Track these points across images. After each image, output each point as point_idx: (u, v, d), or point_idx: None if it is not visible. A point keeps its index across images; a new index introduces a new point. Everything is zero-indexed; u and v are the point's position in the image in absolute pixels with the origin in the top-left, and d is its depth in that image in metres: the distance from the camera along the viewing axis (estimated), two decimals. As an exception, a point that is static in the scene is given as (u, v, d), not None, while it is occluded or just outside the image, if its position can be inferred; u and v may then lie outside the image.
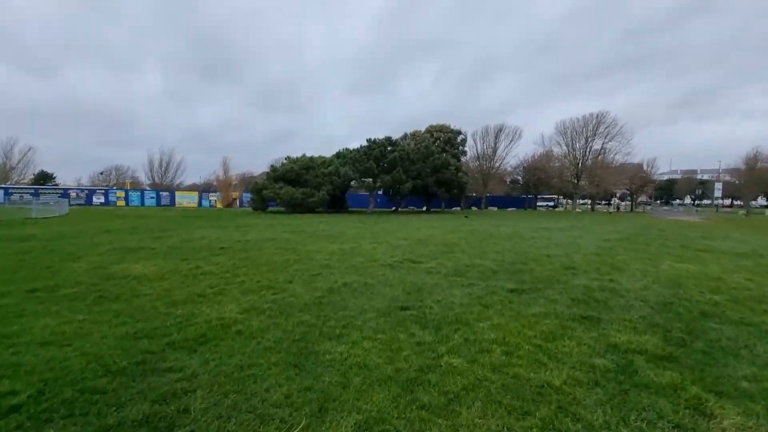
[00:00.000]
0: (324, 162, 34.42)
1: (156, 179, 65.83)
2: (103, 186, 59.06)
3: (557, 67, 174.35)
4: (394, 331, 3.87)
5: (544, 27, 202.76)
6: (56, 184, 56.33)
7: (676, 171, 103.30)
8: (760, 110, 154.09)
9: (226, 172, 45.92)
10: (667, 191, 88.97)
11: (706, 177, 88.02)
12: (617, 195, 60.66)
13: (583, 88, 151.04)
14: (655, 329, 4.06)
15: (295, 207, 30.65)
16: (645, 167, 56.80)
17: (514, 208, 54.32)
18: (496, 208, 51.95)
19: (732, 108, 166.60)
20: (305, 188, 31.34)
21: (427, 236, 13.19)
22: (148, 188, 58.49)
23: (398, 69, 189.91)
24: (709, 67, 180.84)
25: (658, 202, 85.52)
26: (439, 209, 43.26)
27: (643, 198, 65.18)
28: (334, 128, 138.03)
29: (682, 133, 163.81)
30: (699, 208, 62.87)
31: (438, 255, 8.87)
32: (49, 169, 59.86)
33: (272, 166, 34.71)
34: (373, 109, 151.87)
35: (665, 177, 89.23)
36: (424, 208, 42.83)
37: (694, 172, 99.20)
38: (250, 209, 35.96)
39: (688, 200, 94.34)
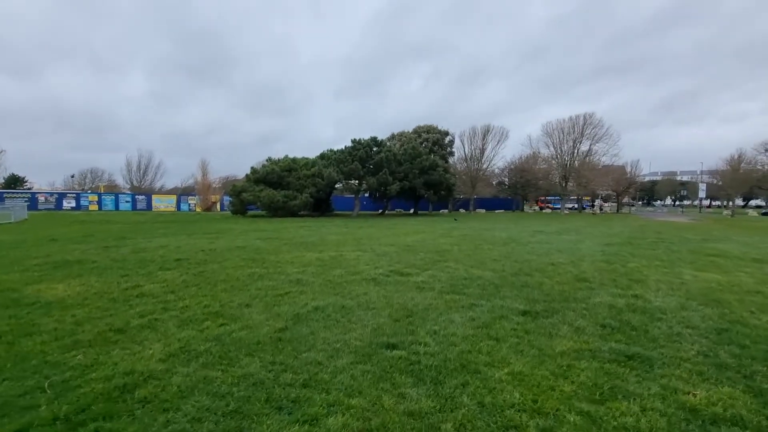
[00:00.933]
0: (307, 163, 32.92)
1: (134, 182, 63.08)
2: (75, 189, 56.06)
3: (544, 72, 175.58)
4: (376, 390, 2.71)
5: (533, 32, 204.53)
6: (29, 188, 53.33)
7: (657, 173, 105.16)
8: (734, 114, 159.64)
9: (204, 174, 43.86)
10: (649, 192, 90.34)
11: (685, 178, 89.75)
12: (601, 196, 60.79)
13: (568, 93, 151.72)
14: (731, 375, 3.00)
15: (277, 210, 29.11)
16: (629, 169, 57.14)
17: (502, 210, 53.84)
18: (484, 210, 51.33)
19: (708, 113, 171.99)
20: (287, 191, 29.80)
21: (416, 242, 12.08)
22: (124, 191, 55.87)
23: (388, 72, 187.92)
24: (687, 73, 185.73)
25: (640, 202, 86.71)
26: (426, 212, 42.26)
27: (625, 199, 65.73)
28: (321, 131, 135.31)
29: (662, 137, 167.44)
30: (683, 209, 63.67)
31: (429, 265, 7.75)
32: (21, 173, 56.75)
33: (252, 167, 32.85)
34: (362, 112, 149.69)
35: (647, 178, 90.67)
36: (412, 211, 41.81)
37: (674, 173, 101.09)
38: (229, 213, 34.23)
39: (668, 201, 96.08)
